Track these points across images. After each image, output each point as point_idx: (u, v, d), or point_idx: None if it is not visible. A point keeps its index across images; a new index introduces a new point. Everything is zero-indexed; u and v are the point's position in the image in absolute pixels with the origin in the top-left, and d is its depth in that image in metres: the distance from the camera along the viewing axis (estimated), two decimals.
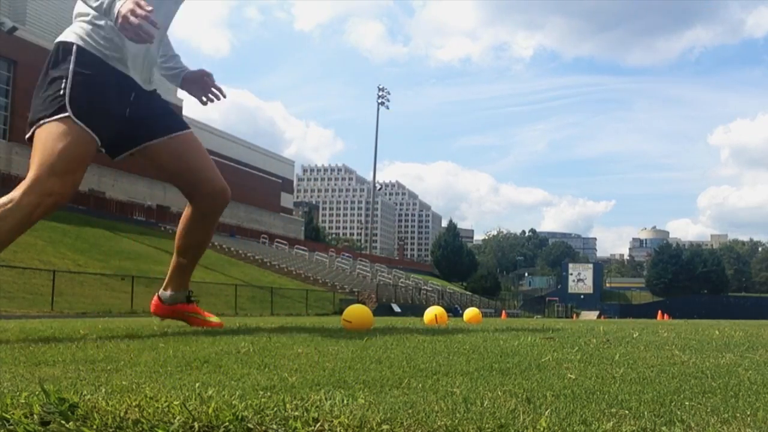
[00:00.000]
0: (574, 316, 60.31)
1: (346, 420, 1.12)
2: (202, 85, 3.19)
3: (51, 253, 27.22)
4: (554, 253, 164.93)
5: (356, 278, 45.98)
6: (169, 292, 3.29)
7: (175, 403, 1.22)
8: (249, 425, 1.13)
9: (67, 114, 2.53)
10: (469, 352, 2.19)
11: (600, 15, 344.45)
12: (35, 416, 1.22)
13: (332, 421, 1.12)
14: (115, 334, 2.89)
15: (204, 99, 3.22)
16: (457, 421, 1.10)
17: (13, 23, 41.11)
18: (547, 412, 1.17)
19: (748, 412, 1.20)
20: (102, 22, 2.59)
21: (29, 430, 1.19)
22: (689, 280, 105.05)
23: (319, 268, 46.38)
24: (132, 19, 2.33)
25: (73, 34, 2.61)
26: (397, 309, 34.44)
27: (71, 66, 2.56)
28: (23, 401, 1.27)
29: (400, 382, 1.54)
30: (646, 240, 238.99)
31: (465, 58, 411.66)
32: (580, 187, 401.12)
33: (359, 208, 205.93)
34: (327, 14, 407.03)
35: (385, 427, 1.09)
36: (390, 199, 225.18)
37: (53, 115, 2.54)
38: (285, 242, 54.43)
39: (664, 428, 1.08)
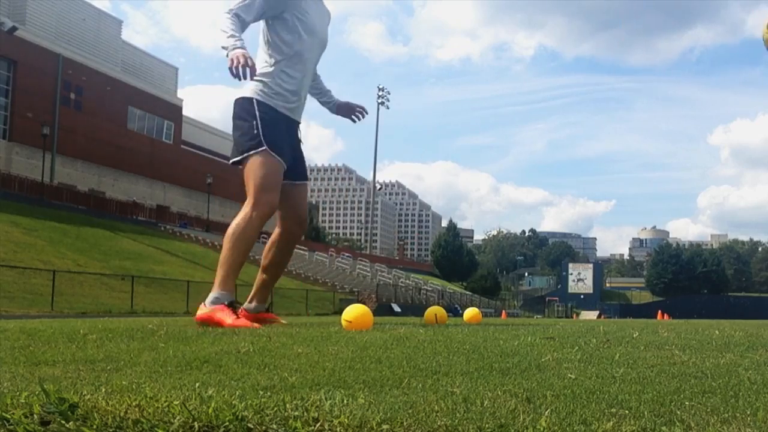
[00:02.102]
0: (574, 315, 60.32)
1: (346, 420, 1.12)
2: (348, 109, 4.02)
3: (51, 253, 27.22)
4: (554, 253, 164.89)
5: (356, 278, 45.99)
6: (254, 304, 3.90)
7: (175, 403, 1.22)
8: (249, 425, 1.13)
9: (264, 147, 3.37)
10: (469, 352, 2.19)
11: (600, 14, 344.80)
12: (35, 416, 1.22)
13: (332, 421, 1.12)
14: (115, 334, 2.89)
15: (354, 118, 4.06)
16: (457, 421, 1.10)
17: (13, 23, 41.10)
18: (547, 412, 1.17)
19: (748, 412, 1.20)
20: (269, 80, 3.46)
21: (29, 430, 1.19)
22: (689, 280, 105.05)
23: (319, 268, 46.37)
24: (235, 62, 3.19)
25: (250, 91, 3.44)
26: (397, 309, 34.44)
27: (257, 113, 3.39)
28: (23, 401, 1.27)
29: (400, 382, 1.54)
30: (646, 240, 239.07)
31: (465, 58, 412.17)
32: (580, 187, 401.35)
33: (359, 208, 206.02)
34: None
35: (385, 427, 1.09)
36: (390, 199, 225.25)
37: (254, 149, 3.37)
38: None
39: (664, 428, 1.08)
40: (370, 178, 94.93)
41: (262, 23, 3.54)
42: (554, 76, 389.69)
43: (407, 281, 53.32)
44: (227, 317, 3.34)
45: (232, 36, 3.30)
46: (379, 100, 75.70)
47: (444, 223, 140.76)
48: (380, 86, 76.83)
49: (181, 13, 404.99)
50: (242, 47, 3.27)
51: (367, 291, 38.71)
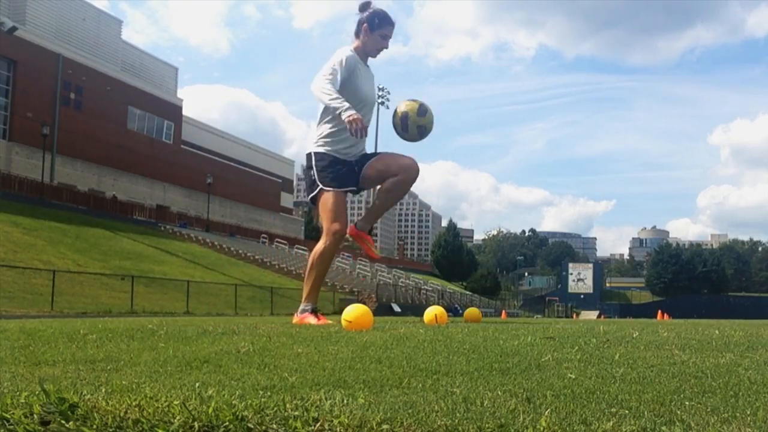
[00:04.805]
0: (574, 315, 60.30)
1: (346, 420, 1.12)
2: None
3: (51, 253, 27.22)
4: (554, 252, 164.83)
5: (356, 278, 45.95)
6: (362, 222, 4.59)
7: (175, 403, 1.22)
8: (249, 425, 1.13)
9: (320, 187, 4.17)
10: (469, 352, 2.19)
11: (600, 13, 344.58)
12: (35, 416, 1.22)
13: (332, 421, 1.12)
14: (115, 334, 2.89)
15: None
16: (457, 420, 1.10)
17: (13, 23, 41.08)
18: (547, 412, 1.17)
19: (748, 412, 1.20)
20: (320, 135, 4.25)
21: (29, 430, 1.19)
22: (689, 280, 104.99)
23: None
24: (354, 126, 3.91)
25: (311, 145, 4.26)
26: (397, 309, 34.42)
27: (313, 162, 4.21)
28: (23, 401, 1.27)
29: (400, 382, 1.54)
30: (646, 240, 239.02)
31: (465, 57, 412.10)
32: (580, 187, 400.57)
33: (359, 208, 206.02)
34: (326, 13, 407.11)
35: (385, 426, 1.09)
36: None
37: (314, 190, 4.20)
38: (285, 242, 54.36)
39: (664, 428, 1.08)
40: None
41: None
42: (554, 75, 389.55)
43: (407, 281, 53.30)
44: (312, 320, 4.10)
45: (338, 98, 3.96)
46: (379, 100, 75.68)
47: (444, 223, 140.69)
48: (380, 86, 76.71)
49: (180, 12, 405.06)
50: (352, 109, 3.95)
51: (367, 291, 38.70)
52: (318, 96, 4.02)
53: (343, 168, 4.23)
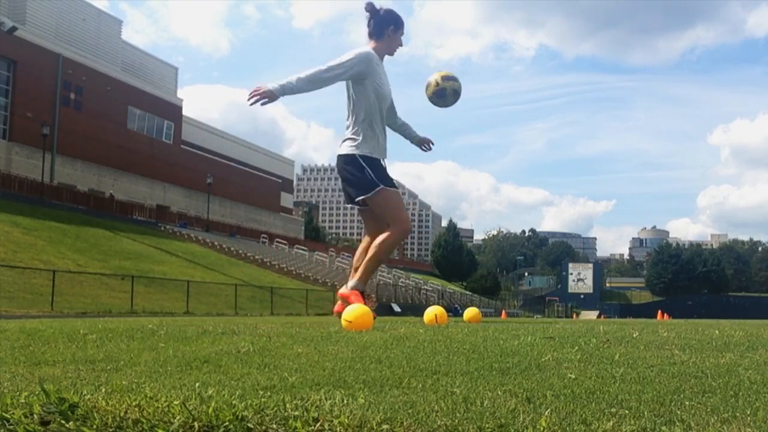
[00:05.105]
0: (574, 315, 60.30)
1: (346, 420, 1.12)
2: (421, 140, 4.95)
3: (51, 253, 27.22)
4: (554, 252, 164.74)
5: None
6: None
7: (175, 402, 1.22)
8: (249, 425, 1.13)
9: (380, 186, 4.31)
10: (469, 352, 2.19)
11: (600, 13, 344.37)
12: (35, 416, 1.22)
13: (332, 421, 1.12)
14: (115, 334, 2.89)
15: (424, 148, 4.98)
16: (457, 420, 1.10)
17: (13, 23, 41.08)
18: (547, 412, 1.17)
19: (748, 412, 1.20)
20: (359, 138, 4.36)
21: (29, 430, 1.19)
22: (689, 280, 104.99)
23: (318, 267, 46.34)
24: (253, 96, 4.15)
25: (348, 148, 4.36)
26: (397, 309, 34.41)
27: (363, 163, 4.30)
28: (23, 401, 1.27)
29: (400, 382, 1.54)
30: (646, 240, 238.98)
31: (465, 57, 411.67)
32: (580, 187, 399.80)
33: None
34: (326, 13, 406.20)
35: (385, 426, 1.09)
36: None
37: (373, 189, 4.30)
38: (285, 242, 54.38)
39: (664, 428, 1.08)
40: None
41: (349, 90, 4.38)
42: (554, 75, 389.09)
43: (407, 281, 53.30)
44: (357, 300, 4.30)
45: (296, 77, 4.17)
46: None
47: (444, 223, 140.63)
48: None
49: (180, 12, 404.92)
50: (278, 84, 4.12)
51: (367, 291, 38.67)
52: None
53: (386, 169, 4.49)
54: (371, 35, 4.42)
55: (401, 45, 4.49)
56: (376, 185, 4.29)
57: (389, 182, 4.39)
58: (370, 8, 4.42)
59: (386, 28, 4.40)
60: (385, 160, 4.51)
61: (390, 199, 4.37)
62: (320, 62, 4.16)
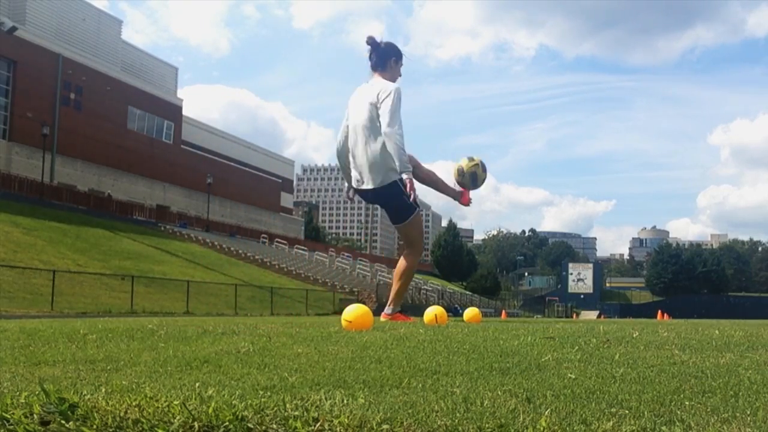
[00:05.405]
0: (574, 315, 60.28)
1: (346, 420, 1.12)
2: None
3: (51, 253, 27.22)
4: (554, 252, 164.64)
5: (356, 278, 45.94)
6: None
7: (175, 403, 1.22)
8: (249, 425, 1.13)
9: (418, 210, 4.67)
10: (469, 352, 2.19)
11: (600, 13, 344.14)
12: (35, 416, 1.22)
13: (332, 421, 1.12)
14: (115, 334, 2.89)
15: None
16: (457, 420, 1.10)
17: (13, 23, 41.08)
18: (547, 412, 1.17)
19: (748, 412, 1.20)
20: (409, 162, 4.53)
21: (29, 430, 1.19)
22: (689, 280, 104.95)
23: (318, 267, 46.33)
24: (412, 192, 4.43)
25: (396, 173, 4.48)
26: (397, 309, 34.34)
27: (407, 188, 4.41)
28: (23, 401, 1.27)
29: (400, 382, 1.54)
30: (646, 240, 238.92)
31: (465, 57, 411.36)
32: (580, 187, 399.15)
33: (359, 208, 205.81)
34: (326, 13, 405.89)
35: (385, 426, 1.09)
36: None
37: (412, 213, 4.61)
38: (285, 242, 54.36)
39: (664, 428, 1.08)
40: None
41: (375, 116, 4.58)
42: (554, 75, 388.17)
43: None
44: (403, 318, 4.82)
45: (405, 154, 4.40)
46: None
47: (444, 223, 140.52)
48: None
49: (180, 12, 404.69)
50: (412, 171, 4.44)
51: (367, 291, 38.70)
52: (394, 148, 4.37)
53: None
54: (375, 67, 4.63)
55: (400, 75, 4.73)
56: (413, 208, 4.61)
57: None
58: (371, 42, 4.62)
59: (389, 60, 4.64)
60: (358, 185, 4.67)
61: (420, 224, 4.75)
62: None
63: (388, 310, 4.93)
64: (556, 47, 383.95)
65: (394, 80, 4.65)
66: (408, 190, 4.37)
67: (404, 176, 4.39)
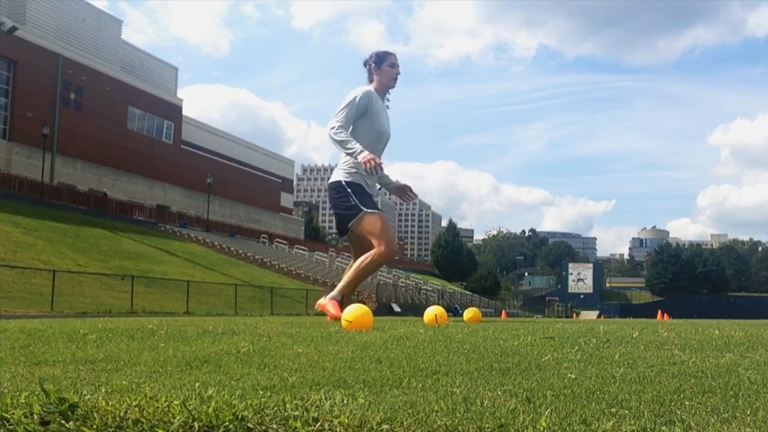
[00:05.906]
0: (574, 315, 60.28)
1: (346, 420, 1.12)
2: (403, 190, 5.17)
3: (51, 253, 27.22)
4: (554, 252, 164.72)
5: None
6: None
7: (175, 403, 1.22)
8: (249, 425, 1.13)
9: (363, 210, 4.59)
10: (469, 352, 2.19)
11: (601, 13, 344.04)
12: (35, 416, 1.22)
13: (332, 421, 1.12)
14: (115, 334, 2.89)
15: (404, 198, 5.23)
16: (457, 420, 1.10)
17: (13, 23, 41.08)
18: (547, 412, 1.17)
19: (748, 412, 1.20)
20: (354, 168, 4.64)
21: (29, 430, 1.19)
22: (689, 280, 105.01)
23: (319, 267, 46.33)
24: (369, 165, 4.39)
25: (342, 174, 4.67)
26: (397, 309, 34.40)
27: (349, 190, 4.62)
28: (23, 401, 1.27)
29: (400, 382, 1.54)
30: (646, 240, 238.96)
31: (465, 57, 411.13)
32: (580, 187, 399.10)
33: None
34: (326, 13, 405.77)
35: (385, 426, 1.09)
36: (390, 198, 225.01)
37: (359, 213, 4.58)
38: (285, 242, 54.36)
39: (664, 428, 1.08)
40: None
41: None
42: (554, 75, 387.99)
43: (407, 281, 53.28)
44: (332, 309, 4.53)
45: (349, 141, 4.47)
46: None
47: (444, 223, 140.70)
48: None
49: (180, 12, 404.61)
50: (365, 150, 4.44)
51: (367, 291, 38.71)
52: (333, 141, 4.53)
53: (371, 197, 4.78)
54: (369, 81, 4.80)
55: (397, 74, 4.80)
56: (356, 209, 4.58)
57: (377, 208, 4.69)
58: (363, 62, 4.84)
59: (370, 68, 4.79)
60: (375, 189, 4.84)
61: (375, 224, 4.63)
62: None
63: (327, 295, 4.77)
64: (556, 47, 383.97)
65: (386, 81, 4.77)
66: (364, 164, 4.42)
67: (359, 158, 4.44)
